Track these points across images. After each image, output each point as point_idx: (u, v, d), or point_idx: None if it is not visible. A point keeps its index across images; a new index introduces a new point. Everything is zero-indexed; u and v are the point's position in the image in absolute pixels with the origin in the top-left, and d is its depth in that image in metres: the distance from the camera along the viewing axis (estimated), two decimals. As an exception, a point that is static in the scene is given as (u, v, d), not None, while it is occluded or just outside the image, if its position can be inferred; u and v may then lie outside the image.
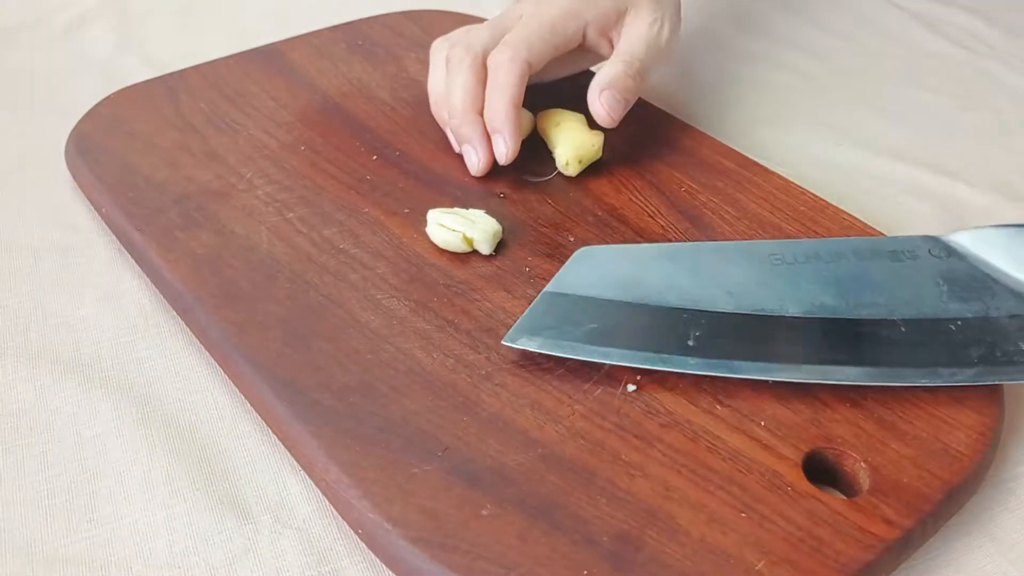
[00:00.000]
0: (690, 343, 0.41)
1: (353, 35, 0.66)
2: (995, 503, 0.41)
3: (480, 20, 0.67)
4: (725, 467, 0.39)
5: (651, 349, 0.41)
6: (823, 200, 0.52)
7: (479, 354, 0.43)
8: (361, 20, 0.68)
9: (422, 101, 0.60)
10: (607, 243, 0.49)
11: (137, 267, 0.50)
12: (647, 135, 0.57)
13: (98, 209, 0.53)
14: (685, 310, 0.42)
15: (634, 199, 0.52)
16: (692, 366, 0.41)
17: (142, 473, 0.41)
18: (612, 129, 0.54)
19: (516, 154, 0.52)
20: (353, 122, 0.58)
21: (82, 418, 0.43)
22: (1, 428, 0.43)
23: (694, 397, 0.41)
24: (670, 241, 0.49)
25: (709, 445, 0.39)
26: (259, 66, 0.62)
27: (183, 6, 0.76)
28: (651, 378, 0.42)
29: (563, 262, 0.48)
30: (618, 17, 0.55)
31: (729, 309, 0.42)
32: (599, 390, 0.42)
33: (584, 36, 0.54)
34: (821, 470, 0.39)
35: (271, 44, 0.65)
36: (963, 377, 0.40)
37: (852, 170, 0.60)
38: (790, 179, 0.53)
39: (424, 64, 0.63)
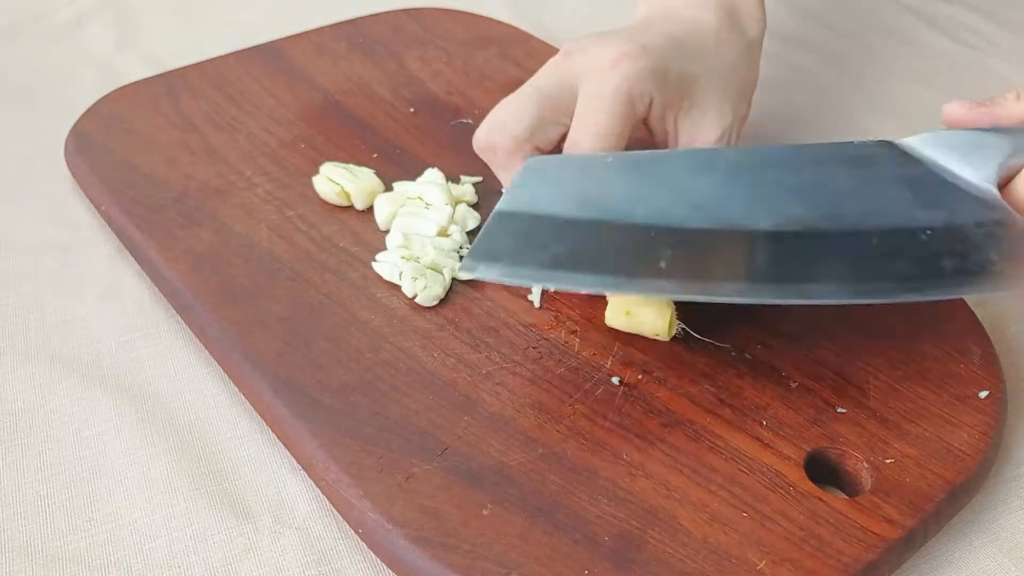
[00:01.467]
0: (662, 264, 0.38)
1: (353, 33, 0.66)
2: (997, 502, 0.41)
3: (480, 18, 0.67)
4: (727, 467, 0.38)
5: (622, 273, 0.39)
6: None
7: (480, 353, 0.43)
8: (361, 18, 0.68)
9: (423, 99, 0.59)
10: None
11: (137, 265, 0.50)
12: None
13: (98, 207, 0.52)
14: (653, 227, 0.39)
15: (635, 197, 0.52)
16: (667, 290, 0.39)
17: (141, 472, 0.41)
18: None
19: None
20: (353, 120, 0.58)
21: (81, 417, 0.43)
22: (0, 427, 0.43)
23: (696, 396, 0.41)
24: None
25: (711, 444, 0.39)
26: (259, 64, 0.62)
27: (183, 4, 0.76)
28: (651, 377, 0.42)
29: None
30: (682, 108, 0.47)
31: (699, 225, 0.39)
32: (600, 389, 0.41)
33: (648, 115, 0.46)
34: (823, 469, 0.39)
35: (271, 42, 0.65)
36: (941, 292, 0.39)
37: (854, 168, 0.60)
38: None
39: (424, 62, 0.63)
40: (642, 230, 0.39)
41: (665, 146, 0.48)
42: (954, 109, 0.43)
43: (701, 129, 0.47)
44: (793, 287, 0.39)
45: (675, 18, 0.49)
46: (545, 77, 0.46)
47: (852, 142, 0.43)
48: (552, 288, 0.39)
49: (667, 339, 0.42)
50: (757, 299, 0.39)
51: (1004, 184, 0.41)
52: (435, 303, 0.45)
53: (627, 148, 0.45)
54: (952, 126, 0.43)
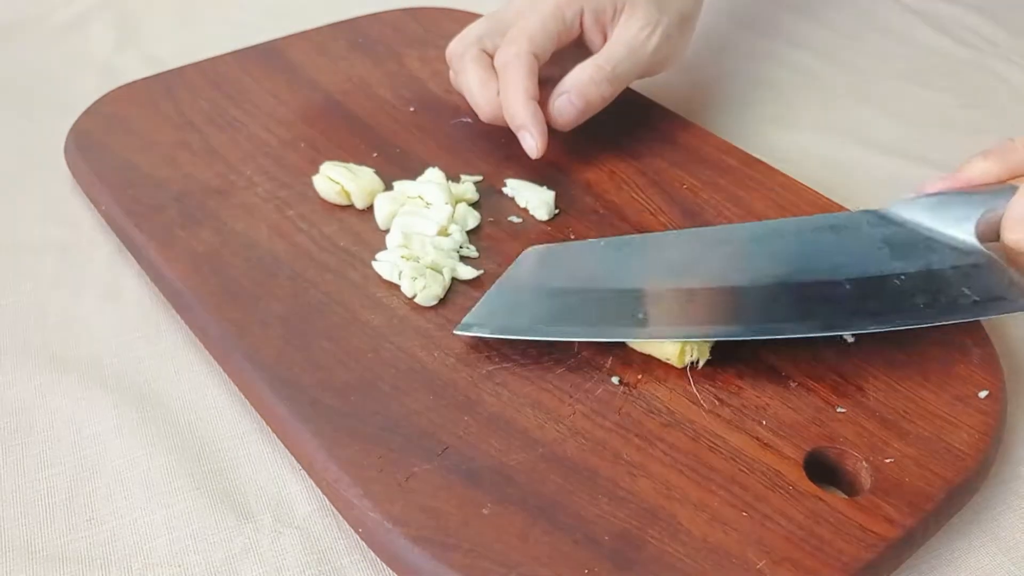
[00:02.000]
0: (639, 316, 0.42)
1: (353, 32, 0.66)
2: (997, 502, 0.41)
3: (481, 17, 0.67)
4: (727, 466, 0.38)
5: (603, 324, 0.42)
6: (826, 198, 0.51)
7: (480, 352, 0.43)
8: (361, 17, 0.68)
9: (423, 98, 0.59)
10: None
11: (137, 265, 0.50)
12: (649, 132, 0.57)
13: (98, 207, 0.52)
14: (633, 290, 0.43)
15: (635, 196, 0.52)
16: (643, 335, 0.42)
17: (142, 472, 0.41)
18: (613, 126, 0.54)
19: (546, 145, 0.51)
20: (353, 119, 0.58)
21: (81, 417, 0.43)
22: (0, 427, 0.43)
23: (695, 396, 0.41)
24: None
25: (711, 444, 0.39)
26: (259, 64, 0.62)
27: (183, 4, 0.76)
28: (651, 377, 0.42)
29: (564, 260, 0.48)
30: (614, 13, 0.54)
31: (674, 285, 0.43)
32: (600, 389, 0.41)
33: (582, 25, 0.54)
34: (823, 469, 0.39)
35: (271, 41, 0.65)
36: (913, 322, 0.41)
37: (856, 168, 0.60)
38: (793, 177, 0.53)
39: (424, 61, 0.63)
40: (623, 292, 0.43)
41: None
42: (927, 185, 0.46)
43: (628, 27, 0.54)
44: (762, 328, 0.41)
45: None
46: (497, 9, 0.56)
47: (835, 213, 0.47)
48: (535, 338, 0.43)
49: (679, 366, 0.42)
50: (726, 337, 0.41)
51: (988, 239, 0.44)
52: (434, 303, 0.45)
53: (564, 66, 0.53)
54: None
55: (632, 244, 0.46)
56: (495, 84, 0.52)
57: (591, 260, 0.45)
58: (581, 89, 0.52)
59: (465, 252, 0.48)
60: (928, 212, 0.44)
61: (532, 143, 0.51)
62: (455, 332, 0.43)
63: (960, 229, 0.43)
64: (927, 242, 0.43)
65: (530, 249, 0.46)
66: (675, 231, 0.49)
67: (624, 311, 0.42)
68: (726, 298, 0.42)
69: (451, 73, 0.56)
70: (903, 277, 0.42)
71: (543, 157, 0.52)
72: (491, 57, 0.54)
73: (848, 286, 0.42)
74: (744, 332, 0.41)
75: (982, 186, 0.44)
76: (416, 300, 0.45)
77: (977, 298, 0.41)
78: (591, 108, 0.53)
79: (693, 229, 0.48)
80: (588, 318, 0.42)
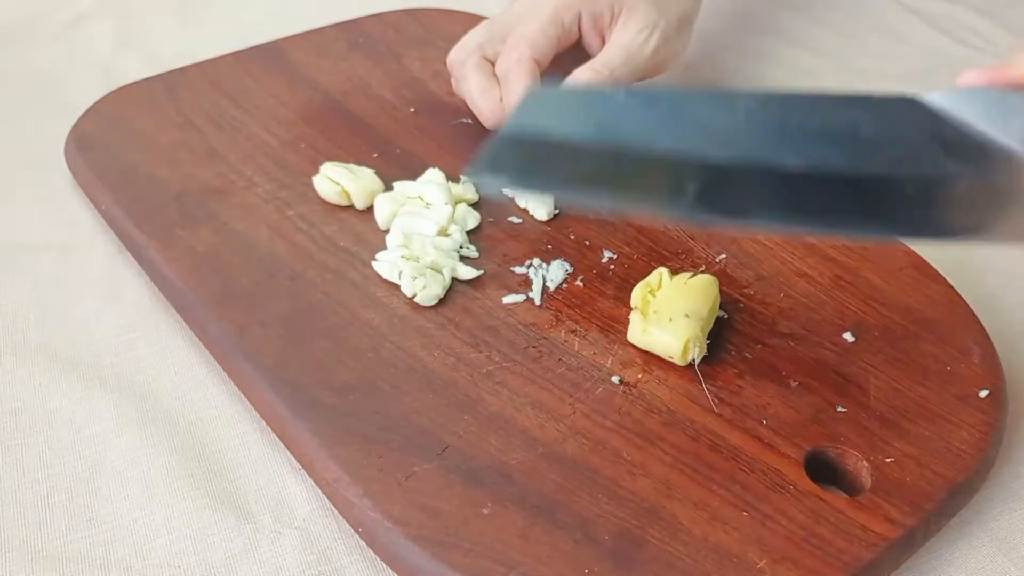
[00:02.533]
0: (688, 195, 0.35)
1: (354, 33, 0.66)
2: (997, 502, 0.41)
3: (480, 18, 0.67)
4: (727, 466, 0.38)
5: (643, 196, 0.36)
6: (825, 198, 0.51)
7: (480, 352, 0.43)
8: (362, 18, 0.68)
9: (423, 99, 0.59)
10: (608, 241, 0.49)
11: (137, 265, 0.50)
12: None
13: (98, 207, 0.52)
14: (676, 159, 0.36)
15: (635, 197, 0.52)
16: (698, 218, 0.37)
17: (141, 472, 0.41)
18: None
19: None
20: (354, 120, 0.58)
21: (81, 417, 0.43)
22: (0, 427, 0.43)
23: (696, 396, 0.41)
24: (671, 238, 0.49)
25: (711, 444, 0.39)
26: (260, 64, 0.62)
27: (183, 4, 0.76)
28: (652, 376, 0.42)
29: (563, 259, 0.48)
30: (612, 17, 0.54)
31: (724, 160, 0.36)
32: (600, 389, 0.41)
33: (580, 29, 0.54)
34: (823, 469, 0.39)
35: (272, 42, 0.65)
36: (971, 237, 0.37)
37: (854, 168, 0.59)
38: (792, 177, 0.53)
39: (424, 62, 0.63)
40: (665, 159, 0.36)
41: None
42: (969, 78, 0.42)
43: (626, 31, 0.54)
44: (824, 221, 0.37)
45: None
46: (496, 15, 0.57)
47: (874, 95, 0.40)
48: (566, 198, 0.38)
49: (682, 363, 0.42)
50: (796, 230, 0.38)
51: None
52: (434, 303, 0.45)
53: (563, 67, 0.53)
54: None
55: (659, 101, 0.39)
56: (497, 91, 0.53)
57: (615, 112, 0.38)
58: None
59: (465, 252, 0.48)
60: (974, 108, 0.40)
61: None
62: (462, 176, 0.38)
63: (1010, 134, 0.39)
64: (980, 146, 0.38)
65: (532, 90, 0.41)
66: (706, 91, 0.43)
67: (670, 184, 0.36)
68: (784, 186, 0.36)
69: (453, 80, 0.57)
70: (964, 183, 0.37)
71: None
72: (492, 64, 0.54)
73: (909, 188, 0.37)
74: (812, 228, 0.37)
75: None
76: (416, 300, 0.45)
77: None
78: None
79: (726, 92, 0.43)
80: (625, 184, 0.36)
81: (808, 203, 0.36)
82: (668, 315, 0.42)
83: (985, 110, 0.40)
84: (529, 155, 0.36)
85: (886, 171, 0.37)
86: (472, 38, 0.55)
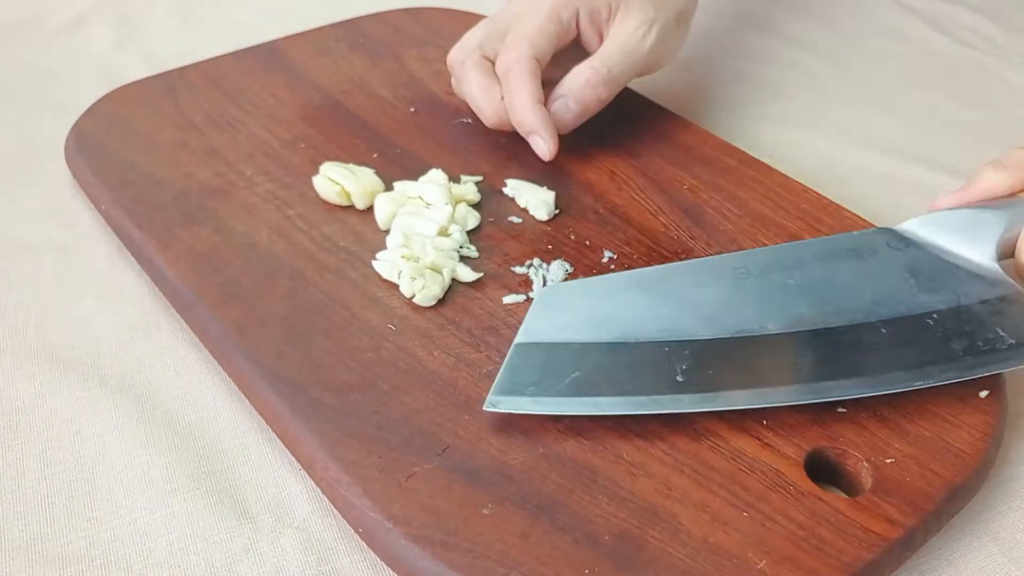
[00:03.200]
0: (679, 379, 0.39)
1: (354, 32, 0.66)
2: (997, 502, 0.41)
3: (482, 17, 0.67)
4: (727, 466, 0.38)
5: (641, 392, 0.39)
6: (826, 198, 0.51)
7: (480, 352, 0.43)
8: (362, 17, 0.68)
9: (423, 98, 0.59)
10: (608, 240, 0.49)
11: (137, 265, 0.50)
12: (649, 132, 0.57)
13: (98, 206, 0.52)
14: (666, 343, 0.40)
15: (636, 197, 0.52)
16: (686, 404, 0.39)
17: (142, 472, 0.41)
18: (614, 126, 0.54)
19: (558, 148, 0.52)
20: (354, 120, 0.58)
21: (81, 416, 0.43)
22: (0, 427, 0.43)
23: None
24: (671, 238, 0.49)
25: (711, 444, 0.39)
26: (259, 64, 0.62)
27: (183, 4, 0.76)
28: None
29: (563, 259, 0.48)
30: (609, 13, 0.54)
31: (710, 335, 0.40)
32: (600, 389, 0.41)
33: (578, 26, 0.54)
34: (823, 469, 0.39)
35: (271, 41, 0.65)
36: (954, 373, 0.40)
37: (855, 168, 0.60)
38: (792, 177, 0.53)
39: (424, 61, 0.63)
40: (655, 346, 0.40)
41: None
42: (940, 201, 0.45)
43: (624, 27, 0.54)
44: (810, 387, 0.40)
45: None
46: (495, 14, 0.56)
47: (851, 233, 0.46)
48: (573, 414, 0.40)
49: None
50: (776, 403, 0.40)
51: (1005, 257, 0.43)
52: (433, 303, 0.45)
53: (563, 65, 0.54)
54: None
55: (645, 282, 0.43)
56: (498, 90, 0.53)
57: (613, 303, 0.42)
58: (577, 93, 0.52)
59: (465, 252, 0.48)
60: (945, 232, 0.43)
61: (544, 147, 0.52)
62: (485, 409, 0.40)
63: (981, 252, 0.42)
64: (951, 270, 0.42)
65: (545, 290, 0.43)
66: (690, 262, 0.46)
67: (661, 370, 0.39)
68: (764, 351, 0.40)
69: (453, 80, 0.57)
70: (935, 317, 0.41)
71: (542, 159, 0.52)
72: (492, 63, 0.54)
73: (884, 330, 0.40)
74: (790, 396, 0.39)
75: (995, 200, 0.44)
76: (415, 300, 0.45)
77: (1013, 341, 0.40)
78: (588, 111, 0.53)
79: (710, 259, 0.45)
80: (624, 381, 0.39)
81: (787, 362, 0.40)
82: None
83: (957, 231, 0.43)
84: (540, 367, 0.40)
85: (862, 317, 0.41)
86: (471, 38, 0.55)
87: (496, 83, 0.53)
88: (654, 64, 0.56)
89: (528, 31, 0.52)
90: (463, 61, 0.54)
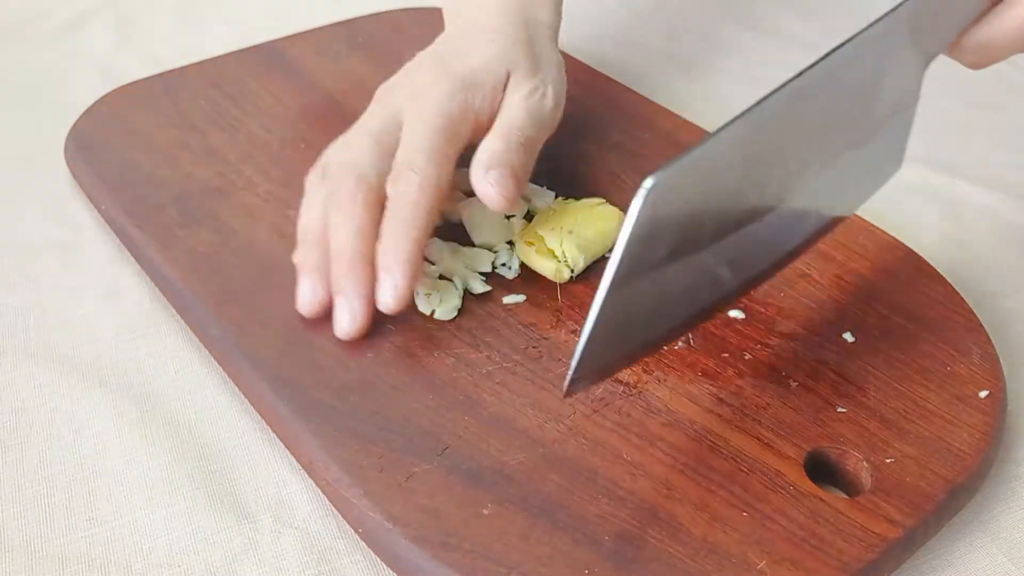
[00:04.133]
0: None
1: (354, 32, 0.66)
2: (997, 502, 0.41)
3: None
4: (727, 466, 0.38)
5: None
6: (825, 198, 0.51)
7: (480, 353, 0.43)
8: (362, 17, 0.68)
9: (423, 99, 0.59)
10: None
11: (136, 265, 0.50)
12: (649, 132, 0.57)
13: (97, 207, 0.52)
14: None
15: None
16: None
17: (141, 472, 0.41)
18: (613, 126, 0.54)
19: (406, 303, 0.43)
20: (353, 119, 0.57)
21: (81, 416, 0.43)
22: (0, 427, 0.43)
23: (696, 396, 0.41)
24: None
25: (711, 444, 0.39)
26: (259, 63, 0.62)
27: (183, 4, 0.76)
28: (652, 376, 0.42)
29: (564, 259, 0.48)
30: (495, 94, 0.47)
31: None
32: (600, 389, 0.41)
33: (472, 131, 0.47)
34: (823, 469, 0.39)
35: (271, 41, 0.65)
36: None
37: (854, 168, 0.59)
38: (792, 177, 0.53)
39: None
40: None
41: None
42: None
43: (518, 93, 0.47)
44: None
45: (474, 25, 0.51)
46: (369, 121, 0.48)
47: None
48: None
49: (558, 281, 0.46)
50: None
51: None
52: (454, 315, 0.45)
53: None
54: None
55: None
56: (375, 237, 0.44)
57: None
58: (504, 159, 0.45)
59: (502, 272, 0.47)
60: None
61: (391, 295, 0.43)
62: (564, 398, 0.39)
63: None
64: None
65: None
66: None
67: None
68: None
69: (309, 200, 0.46)
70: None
71: (542, 158, 0.51)
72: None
73: None
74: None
75: None
76: (436, 316, 0.44)
77: None
78: (522, 179, 0.46)
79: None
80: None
81: None
82: (552, 231, 0.46)
83: None
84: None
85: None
86: (362, 159, 0.45)
87: (375, 231, 0.44)
88: (556, 120, 0.50)
89: (428, 150, 0.44)
90: (354, 190, 0.44)
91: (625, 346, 0.37)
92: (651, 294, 0.36)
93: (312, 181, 0.47)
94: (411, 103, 0.47)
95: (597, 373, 0.38)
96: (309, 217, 0.45)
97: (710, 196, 0.36)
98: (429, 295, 0.45)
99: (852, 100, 0.41)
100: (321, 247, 0.44)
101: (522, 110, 0.47)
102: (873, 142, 0.43)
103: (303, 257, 0.45)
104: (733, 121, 0.36)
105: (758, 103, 0.37)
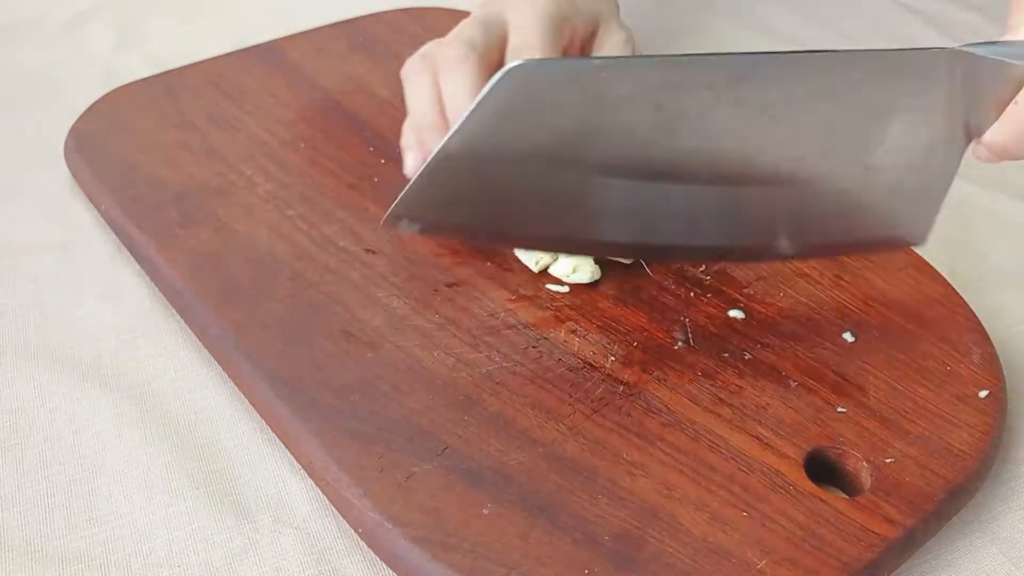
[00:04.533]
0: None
1: (354, 32, 0.66)
2: (997, 502, 0.41)
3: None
4: (727, 466, 0.38)
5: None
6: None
7: (480, 353, 0.43)
8: (362, 17, 0.68)
9: (423, 99, 0.59)
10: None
11: (136, 265, 0.50)
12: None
13: (97, 207, 0.52)
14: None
15: (635, 197, 0.52)
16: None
17: (141, 472, 0.41)
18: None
19: None
20: (353, 120, 0.58)
21: (81, 416, 0.43)
22: (0, 427, 0.43)
23: (696, 396, 0.41)
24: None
25: (711, 444, 0.39)
26: (259, 64, 0.62)
27: (183, 3, 0.76)
28: (652, 376, 0.42)
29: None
30: (592, 30, 0.52)
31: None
32: (600, 389, 0.41)
33: (570, 42, 0.51)
34: (823, 469, 0.39)
35: (271, 41, 0.65)
36: None
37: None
38: (792, 177, 0.53)
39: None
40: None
41: None
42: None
43: (614, 40, 0.52)
44: None
45: None
46: (472, 21, 0.49)
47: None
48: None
49: (536, 270, 0.46)
50: None
51: None
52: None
53: None
54: None
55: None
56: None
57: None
58: None
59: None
60: None
61: None
62: (381, 225, 0.40)
63: None
64: None
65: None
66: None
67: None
68: None
69: (416, 87, 0.47)
70: None
71: None
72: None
73: None
74: None
75: None
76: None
77: None
78: None
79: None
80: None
81: None
82: None
83: None
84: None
85: None
86: (474, 36, 0.48)
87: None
88: None
89: (539, 38, 0.47)
90: (465, 57, 0.46)
91: (460, 210, 0.37)
92: (503, 177, 0.36)
93: (412, 68, 0.46)
94: (517, 6, 0.49)
95: (422, 222, 0.37)
96: (420, 99, 0.45)
97: (604, 116, 0.34)
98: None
99: (845, 116, 0.38)
100: (439, 129, 0.44)
101: (624, 54, 0.51)
102: (868, 184, 0.40)
103: (420, 139, 0.45)
104: (675, 56, 0.34)
105: (724, 55, 0.34)
